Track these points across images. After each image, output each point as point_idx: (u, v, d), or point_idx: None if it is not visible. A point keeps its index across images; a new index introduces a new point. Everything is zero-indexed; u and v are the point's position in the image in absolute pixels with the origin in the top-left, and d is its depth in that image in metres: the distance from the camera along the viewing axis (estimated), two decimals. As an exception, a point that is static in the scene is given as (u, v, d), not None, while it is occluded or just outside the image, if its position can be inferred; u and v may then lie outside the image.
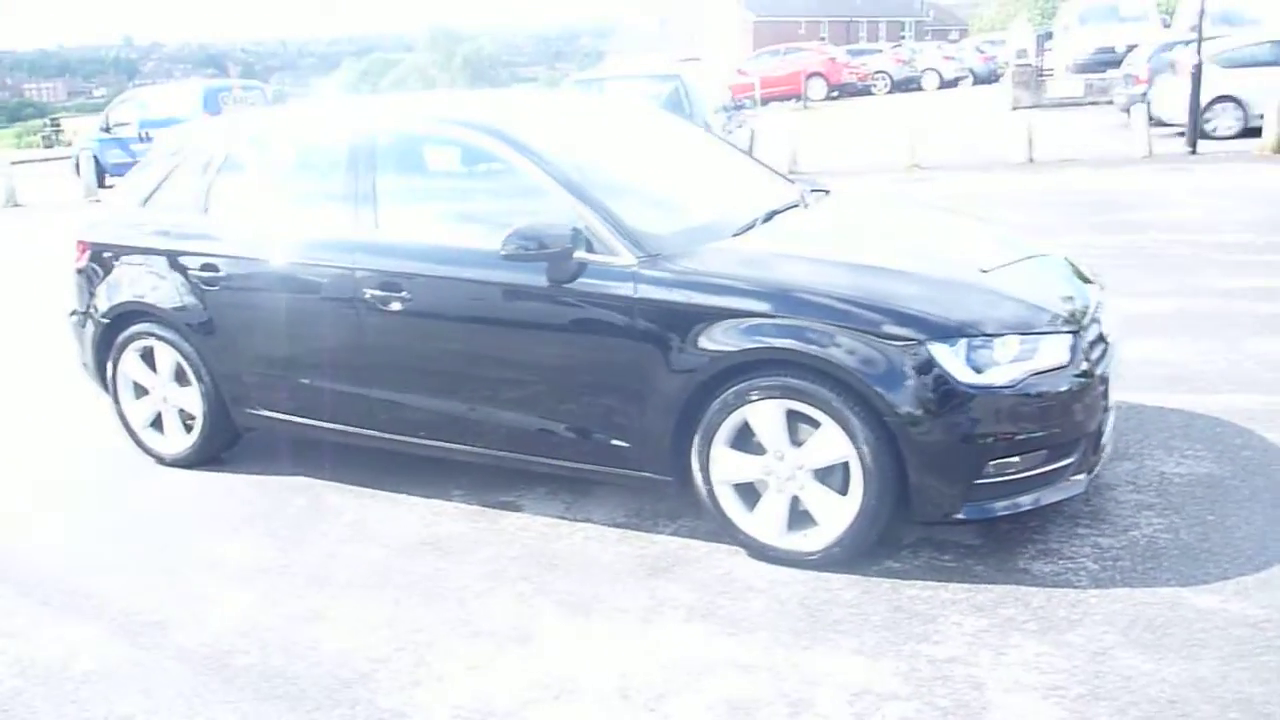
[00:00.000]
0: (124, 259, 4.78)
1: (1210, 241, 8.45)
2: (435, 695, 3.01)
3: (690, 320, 3.54)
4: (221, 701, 3.04)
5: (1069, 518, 3.79)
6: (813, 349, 3.36)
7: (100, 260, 4.87)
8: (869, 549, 3.54)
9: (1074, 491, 3.57)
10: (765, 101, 27.53)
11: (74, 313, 5.05)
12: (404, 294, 4.00)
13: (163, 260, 4.62)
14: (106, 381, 4.94)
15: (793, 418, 3.49)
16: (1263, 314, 6.32)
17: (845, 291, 3.46)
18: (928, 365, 3.29)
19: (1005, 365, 3.34)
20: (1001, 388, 3.31)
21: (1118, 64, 21.98)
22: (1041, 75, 22.45)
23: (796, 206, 4.37)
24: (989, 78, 33.28)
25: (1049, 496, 3.50)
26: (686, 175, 4.53)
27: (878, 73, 33.64)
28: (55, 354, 6.54)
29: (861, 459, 3.37)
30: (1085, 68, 22.82)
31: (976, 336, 3.35)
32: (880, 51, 35.68)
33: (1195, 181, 11.43)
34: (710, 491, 3.65)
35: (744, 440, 3.59)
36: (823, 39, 65.93)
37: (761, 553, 3.64)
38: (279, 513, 4.33)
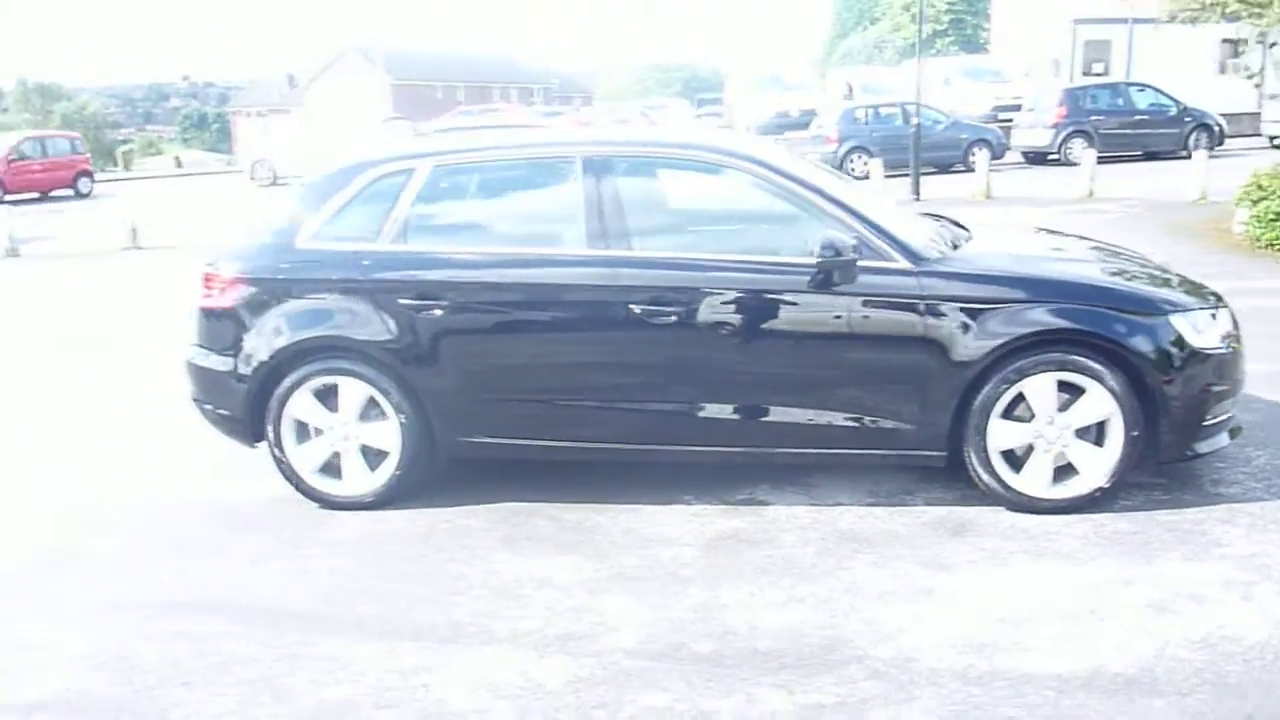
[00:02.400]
0: (299, 293, 4.53)
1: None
2: (919, 639, 3.38)
3: (975, 310, 4.16)
4: (735, 677, 3.20)
5: (1195, 460, 4.76)
6: (1090, 327, 4.12)
7: (262, 296, 4.56)
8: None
9: (1227, 440, 4.55)
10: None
11: (213, 351, 4.66)
12: (679, 306, 4.25)
13: (361, 291, 4.46)
14: (259, 425, 4.61)
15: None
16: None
17: (1097, 280, 4.27)
18: (1173, 334, 4.16)
19: (1209, 332, 4.29)
20: (1214, 349, 4.25)
21: (795, 126, 24.99)
22: (731, 136, 24.88)
23: (965, 229, 5.05)
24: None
25: (1224, 440, 4.46)
26: (861, 197, 5.07)
27: (559, 134, 35.10)
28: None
29: (1123, 415, 4.16)
30: (767, 129, 25.63)
31: (1193, 310, 4.27)
32: (561, 114, 37.36)
33: (946, 220, 13.52)
34: (986, 460, 4.27)
35: (1009, 411, 4.26)
36: (459, 102, 67.58)
37: (1030, 506, 4.29)
38: (536, 534, 4.33)
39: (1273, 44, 23.07)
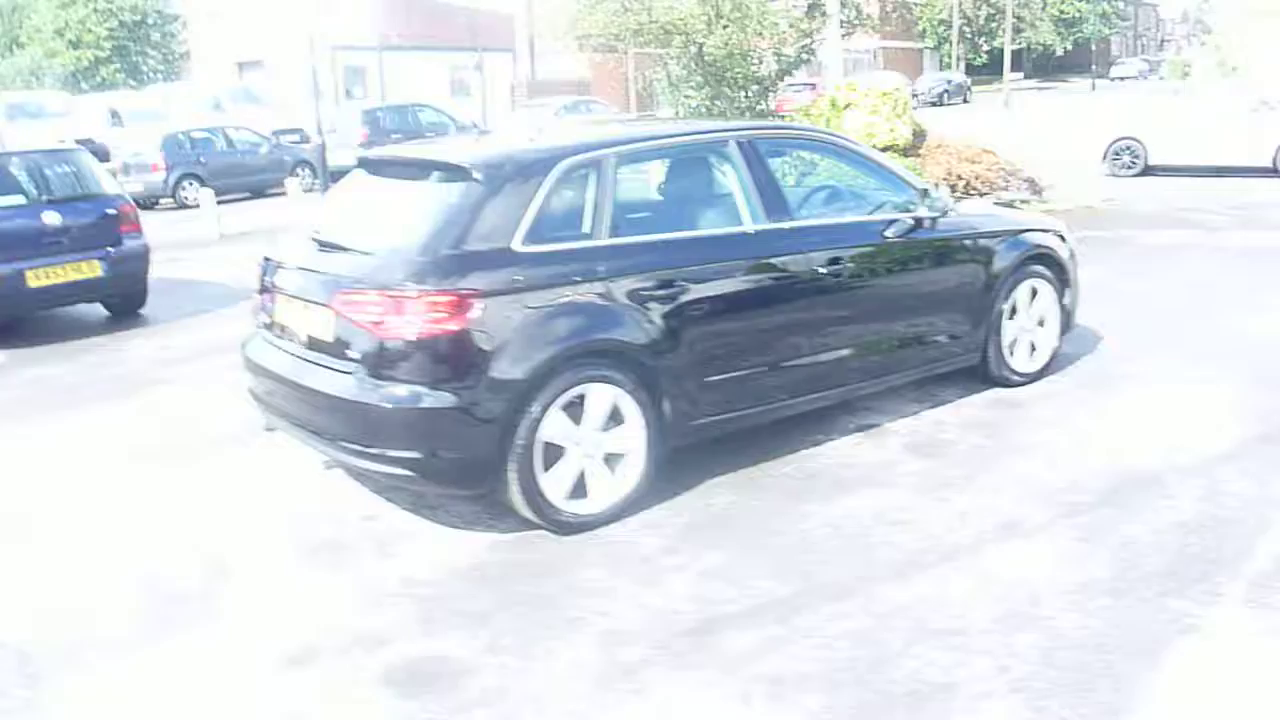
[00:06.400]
0: (535, 302, 4.01)
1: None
2: (1173, 474, 4.71)
3: (995, 240, 5.56)
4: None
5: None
6: (1050, 247, 5.82)
7: (498, 310, 3.92)
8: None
9: None
10: None
11: (417, 386, 3.87)
12: (846, 264, 4.87)
13: (599, 290, 4.13)
14: (499, 461, 3.99)
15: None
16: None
17: (1033, 219, 6.04)
18: (1069, 248, 6.05)
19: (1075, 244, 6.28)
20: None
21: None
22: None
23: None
24: None
25: None
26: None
27: None
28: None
29: (1061, 308, 5.95)
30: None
31: (1068, 232, 6.22)
32: None
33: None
34: (1000, 354, 5.69)
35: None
36: None
37: (1019, 381, 5.83)
38: (791, 487, 4.59)
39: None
